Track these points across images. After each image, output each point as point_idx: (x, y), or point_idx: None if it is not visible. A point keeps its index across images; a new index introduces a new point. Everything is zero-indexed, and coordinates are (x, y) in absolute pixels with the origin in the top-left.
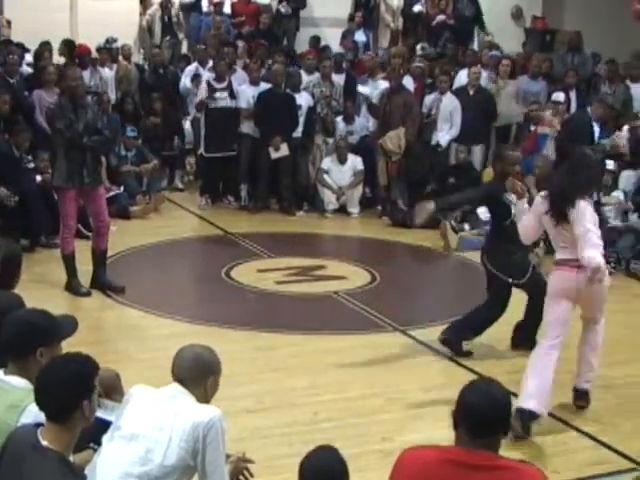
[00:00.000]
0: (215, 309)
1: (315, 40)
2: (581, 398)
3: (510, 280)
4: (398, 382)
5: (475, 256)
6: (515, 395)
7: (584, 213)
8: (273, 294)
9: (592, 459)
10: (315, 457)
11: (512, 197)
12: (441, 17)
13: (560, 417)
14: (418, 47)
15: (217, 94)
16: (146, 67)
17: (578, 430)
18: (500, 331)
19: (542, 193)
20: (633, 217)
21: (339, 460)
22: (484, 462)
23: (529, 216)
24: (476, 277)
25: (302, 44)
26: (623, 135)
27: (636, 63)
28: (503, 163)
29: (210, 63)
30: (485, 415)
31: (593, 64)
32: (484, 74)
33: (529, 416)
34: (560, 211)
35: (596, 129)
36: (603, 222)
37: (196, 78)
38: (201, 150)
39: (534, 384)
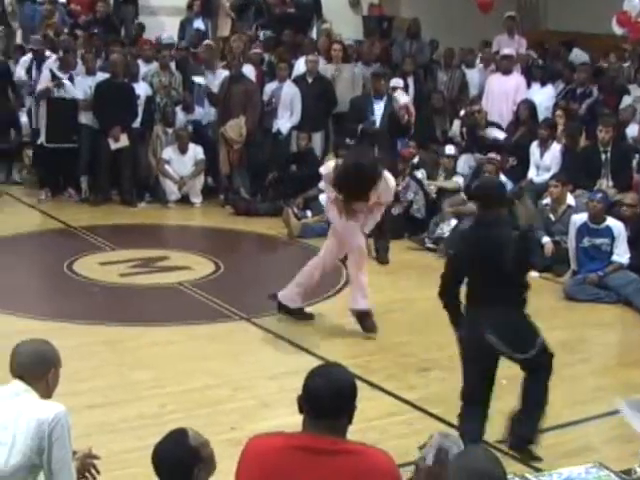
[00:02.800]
0: (58, 304)
1: (140, 28)
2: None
3: None
4: (245, 371)
5: (318, 242)
6: (361, 379)
7: None
8: (117, 287)
9: None
10: (162, 442)
11: None
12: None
13: (405, 398)
14: (261, 34)
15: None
16: None
17: (424, 411)
18: (349, 322)
19: None
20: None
21: (183, 444)
22: (328, 446)
23: None
24: None
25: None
26: (456, 124)
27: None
28: None
29: (47, 53)
30: (325, 397)
31: (431, 51)
32: (322, 62)
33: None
34: None
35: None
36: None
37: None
38: (41, 140)
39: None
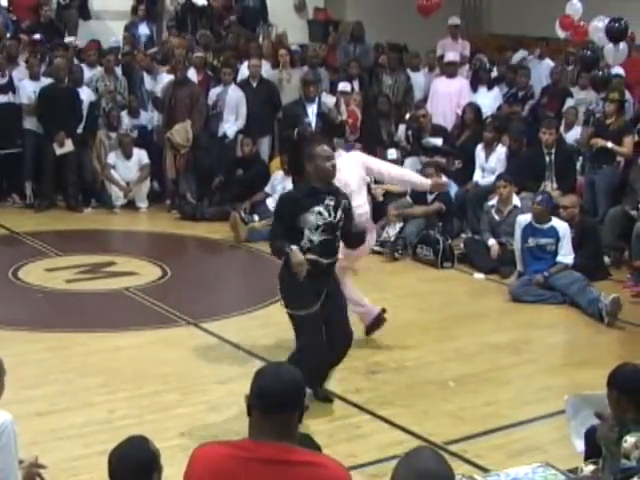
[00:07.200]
0: (3, 311)
1: None
2: None
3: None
4: (193, 376)
5: (264, 247)
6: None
7: None
8: (63, 293)
9: (388, 441)
10: (122, 447)
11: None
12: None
13: (353, 401)
14: (197, 35)
15: None
16: None
17: (372, 414)
18: None
19: None
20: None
21: (146, 449)
22: (276, 456)
23: None
24: (266, 267)
25: (86, 37)
26: (401, 128)
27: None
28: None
29: None
30: (275, 391)
31: (376, 54)
32: (266, 66)
33: None
34: None
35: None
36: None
37: None
38: None
39: None
